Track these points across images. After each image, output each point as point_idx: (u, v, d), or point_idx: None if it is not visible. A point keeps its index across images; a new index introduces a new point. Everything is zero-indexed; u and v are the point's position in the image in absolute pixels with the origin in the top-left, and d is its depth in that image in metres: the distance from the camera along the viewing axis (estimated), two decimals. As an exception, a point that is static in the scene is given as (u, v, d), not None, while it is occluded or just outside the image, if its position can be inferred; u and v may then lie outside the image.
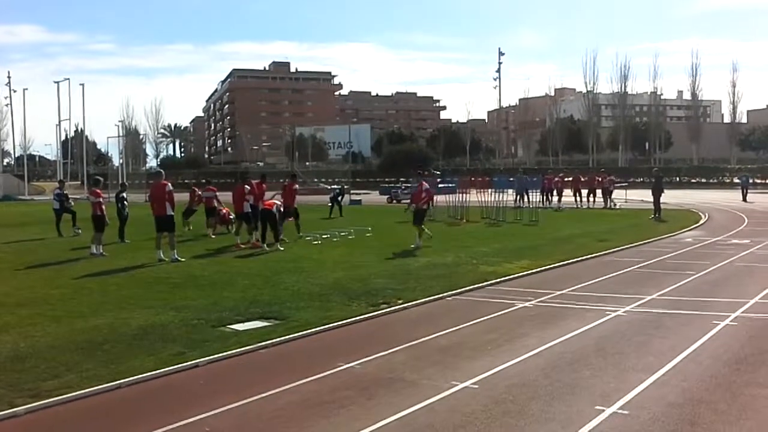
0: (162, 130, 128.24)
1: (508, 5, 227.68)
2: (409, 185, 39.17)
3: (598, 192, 34.30)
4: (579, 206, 33.70)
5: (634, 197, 35.03)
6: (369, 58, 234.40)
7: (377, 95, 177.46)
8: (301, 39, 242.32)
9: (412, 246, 16.93)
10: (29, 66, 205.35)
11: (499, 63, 73.94)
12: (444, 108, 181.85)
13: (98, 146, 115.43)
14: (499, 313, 9.40)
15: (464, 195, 27.62)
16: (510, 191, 30.79)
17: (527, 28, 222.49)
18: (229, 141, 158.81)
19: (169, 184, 15.60)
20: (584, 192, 34.73)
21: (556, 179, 36.01)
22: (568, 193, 35.12)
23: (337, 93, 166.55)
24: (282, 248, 16.77)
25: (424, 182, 19.44)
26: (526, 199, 31.09)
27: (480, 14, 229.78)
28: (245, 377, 6.68)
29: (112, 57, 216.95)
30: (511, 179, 34.57)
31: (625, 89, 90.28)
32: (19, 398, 5.92)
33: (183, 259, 14.72)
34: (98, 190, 18.13)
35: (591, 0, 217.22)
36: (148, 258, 14.93)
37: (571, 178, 36.49)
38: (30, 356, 7.26)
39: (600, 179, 35.31)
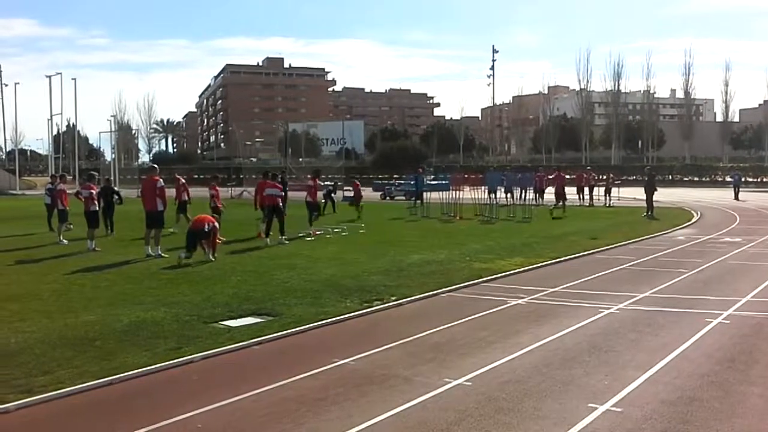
0: (154, 125, 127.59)
1: (503, 3, 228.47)
2: (402, 182, 39.03)
3: (587, 189, 34.31)
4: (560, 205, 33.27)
5: (627, 195, 35.08)
6: (364, 54, 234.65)
7: (371, 92, 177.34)
8: (297, 35, 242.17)
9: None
10: (22, 60, 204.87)
11: (493, 60, 74.53)
12: (438, 105, 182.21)
13: (90, 141, 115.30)
14: (493, 310, 9.41)
15: (457, 192, 27.65)
16: (501, 189, 30.83)
17: (522, 26, 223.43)
18: (222, 137, 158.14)
19: (161, 179, 15.51)
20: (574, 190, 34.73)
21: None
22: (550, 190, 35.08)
23: (330, 89, 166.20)
24: (287, 242, 17.13)
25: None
26: (515, 195, 30.90)
27: (476, 12, 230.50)
28: (239, 374, 6.65)
29: (106, 52, 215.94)
30: (503, 176, 34.45)
31: (618, 87, 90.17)
32: (10, 394, 5.87)
33: (166, 255, 14.64)
34: (92, 185, 18.14)
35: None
36: (140, 254, 14.87)
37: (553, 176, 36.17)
38: (21, 352, 7.22)
39: (586, 177, 35.39)
